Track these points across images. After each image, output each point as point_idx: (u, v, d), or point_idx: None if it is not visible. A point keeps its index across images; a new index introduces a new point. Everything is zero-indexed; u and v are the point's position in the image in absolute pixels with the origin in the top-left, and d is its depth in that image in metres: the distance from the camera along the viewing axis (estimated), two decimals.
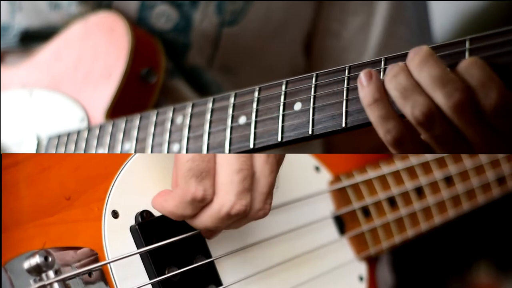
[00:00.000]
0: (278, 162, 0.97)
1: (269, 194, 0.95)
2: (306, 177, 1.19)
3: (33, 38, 1.38)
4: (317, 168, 1.20)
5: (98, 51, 1.31)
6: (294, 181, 1.16)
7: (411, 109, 0.90)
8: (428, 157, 1.31)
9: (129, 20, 1.30)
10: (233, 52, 1.35)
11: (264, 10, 1.33)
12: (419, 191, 1.28)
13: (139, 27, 1.31)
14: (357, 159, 1.27)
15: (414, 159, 1.30)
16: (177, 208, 0.95)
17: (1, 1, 1.39)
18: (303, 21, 1.38)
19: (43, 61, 1.37)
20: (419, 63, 0.91)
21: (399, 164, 1.27)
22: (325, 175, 1.21)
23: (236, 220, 0.95)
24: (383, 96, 0.93)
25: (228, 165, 0.93)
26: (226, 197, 0.93)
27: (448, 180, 1.33)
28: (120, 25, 1.29)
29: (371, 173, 1.24)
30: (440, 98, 0.89)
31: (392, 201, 1.25)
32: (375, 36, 1.38)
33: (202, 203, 0.93)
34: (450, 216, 1.32)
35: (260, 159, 0.94)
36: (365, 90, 0.94)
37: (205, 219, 0.95)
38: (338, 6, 1.39)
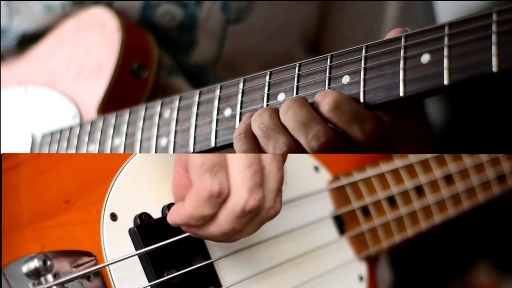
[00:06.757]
0: (283, 159, 0.97)
1: (279, 191, 0.94)
2: (305, 177, 1.18)
3: (30, 42, 1.38)
4: (316, 168, 1.20)
5: (90, 47, 1.31)
6: (293, 181, 1.15)
7: (272, 149, 0.97)
8: (428, 155, 1.31)
9: (132, 19, 1.30)
10: (238, 50, 1.35)
11: (268, 8, 1.34)
12: (419, 190, 1.28)
13: (143, 26, 1.31)
14: (356, 159, 1.26)
15: (413, 158, 1.29)
16: (195, 208, 0.92)
17: (0, 4, 1.39)
18: (307, 21, 1.38)
19: (37, 59, 1.37)
20: (284, 109, 0.98)
21: (398, 163, 1.27)
22: (324, 175, 1.21)
23: (250, 218, 0.94)
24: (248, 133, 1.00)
25: (237, 162, 0.92)
26: (239, 193, 0.91)
27: (448, 179, 1.33)
28: (111, 20, 1.29)
29: (371, 173, 1.23)
30: (303, 141, 0.96)
31: (391, 201, 1.24)
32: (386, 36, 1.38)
33: (219, 199, 0.91)
34: (450, 215, 1.31)
35: (267, 156, 0.94)
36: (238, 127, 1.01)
37: (221, 222, 0.93)
38: (349, 9, 1.39)
